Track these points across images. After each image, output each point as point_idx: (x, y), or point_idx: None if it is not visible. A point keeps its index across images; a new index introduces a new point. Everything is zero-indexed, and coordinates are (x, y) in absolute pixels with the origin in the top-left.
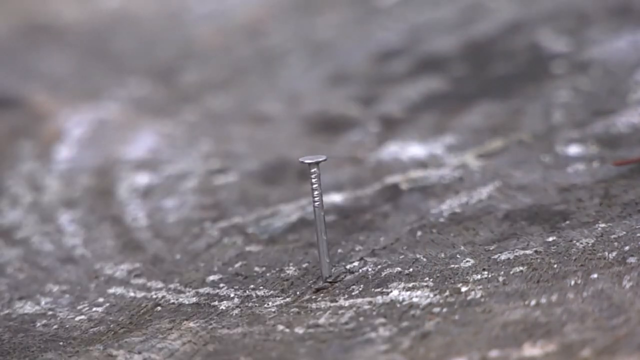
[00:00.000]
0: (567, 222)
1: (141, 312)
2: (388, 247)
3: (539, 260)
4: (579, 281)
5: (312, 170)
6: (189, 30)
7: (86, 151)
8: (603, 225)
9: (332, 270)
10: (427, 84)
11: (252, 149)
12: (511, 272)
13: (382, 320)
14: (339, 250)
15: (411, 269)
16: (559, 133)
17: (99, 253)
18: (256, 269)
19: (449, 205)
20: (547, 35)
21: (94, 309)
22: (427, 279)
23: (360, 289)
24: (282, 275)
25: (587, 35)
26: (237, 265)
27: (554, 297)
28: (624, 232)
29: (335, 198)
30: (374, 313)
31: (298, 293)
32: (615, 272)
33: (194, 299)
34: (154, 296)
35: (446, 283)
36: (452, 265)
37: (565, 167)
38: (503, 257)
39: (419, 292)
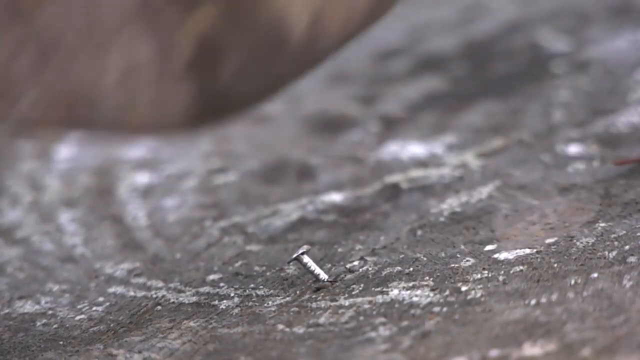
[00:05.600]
0: None
1: (141, 312)
2: (388, 246)
3: (539, 260)
4: (579, 280)
5: (304, 262)
6: None
7: (86, 151)
8: (603, 224)
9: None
10: (427, 84)
11: (252, 148)
12: (511, 272)
13: (382, 319)
14: (339, 250)
15: (411, 269)
16: (559, 133)
17: (99, 252)
18: (256, 268)
19: (449, 204)
20: (547, 35)
21: (94, 308)
22: (427, 278)
23: (361, 289)
24: (282, 274)
25: (587, 35)
26: (237, 264)
27: (554, 297)
28: (624, 232)
29: (335, 197)
30: (374, 312)
31: (298, 292)
32: (615, 272)
33: (194, 298)
34: (154, 295)
35: (446, 282)
36: (452, 265)
37: (565, 167)
38: (503, 256)
39: (419, 292)
